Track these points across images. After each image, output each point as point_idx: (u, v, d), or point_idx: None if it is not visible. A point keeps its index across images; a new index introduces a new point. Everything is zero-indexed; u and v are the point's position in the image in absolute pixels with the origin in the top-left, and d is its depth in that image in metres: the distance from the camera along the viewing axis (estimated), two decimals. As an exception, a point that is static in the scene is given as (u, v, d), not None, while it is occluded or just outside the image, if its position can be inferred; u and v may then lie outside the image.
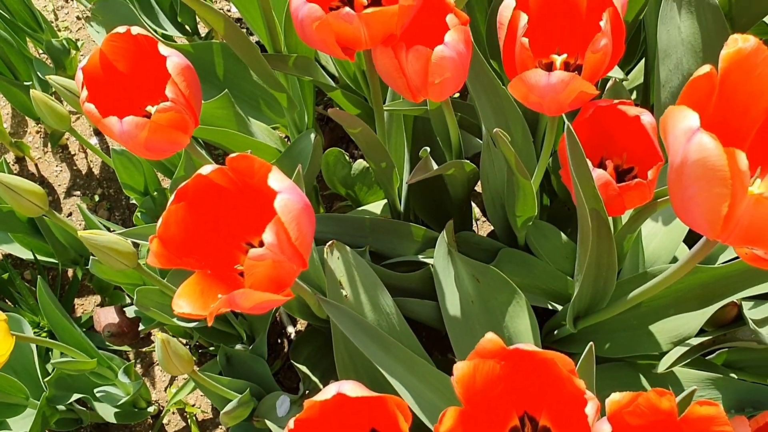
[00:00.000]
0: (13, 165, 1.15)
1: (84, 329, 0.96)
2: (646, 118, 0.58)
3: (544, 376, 0.48)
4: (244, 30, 1.25)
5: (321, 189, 1.14)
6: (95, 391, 0.85)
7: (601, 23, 0.54)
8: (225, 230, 0.54)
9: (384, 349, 0.70)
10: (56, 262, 0.99)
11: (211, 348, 0.97)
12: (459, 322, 0.80)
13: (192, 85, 0.60)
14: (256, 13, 0.79)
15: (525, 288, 0.85)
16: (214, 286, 0.51)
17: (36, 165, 1.15)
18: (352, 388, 0.46)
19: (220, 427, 1.00)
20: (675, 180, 0.40)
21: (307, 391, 0.87)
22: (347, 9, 0.51)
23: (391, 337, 0.76)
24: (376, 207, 1.02)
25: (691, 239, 0.79)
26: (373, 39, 0.54)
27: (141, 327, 0.87)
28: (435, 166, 0.77)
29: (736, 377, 0.75)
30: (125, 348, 0.99)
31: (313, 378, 0.85)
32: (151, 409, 0.95)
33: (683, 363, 0.73)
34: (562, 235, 0.87)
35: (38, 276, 0.80)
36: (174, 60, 0.59)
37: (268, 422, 0.79)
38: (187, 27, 1.06)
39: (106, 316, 0.87)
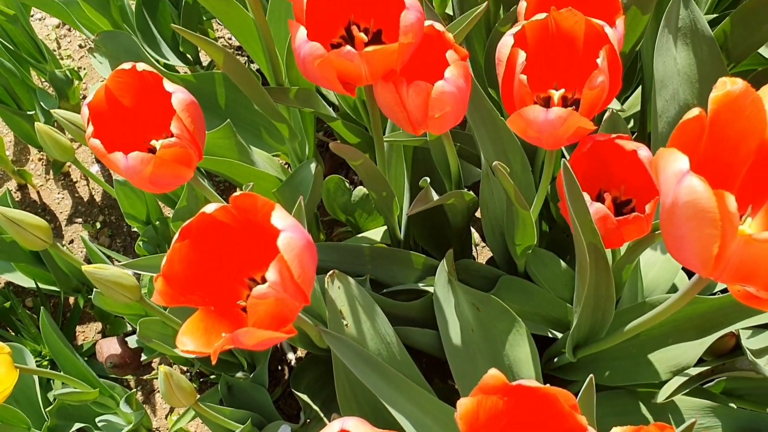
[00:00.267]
0: (15, 192, 1.16)
1: (85, 357, 0.96)
2: (643, 152, 0.59)
3: (546, 411, 0.48)
4: (245, 57, 1.26)
5: (321, 215, 1.15)
6: (97, 420, 0.86)
7: (598, 60, 0.55)
8: (228, 266, 0.55)
9: (385, 380, 0.70)
10: (58, 290, 0.99)
11: (212, 376, 0.97)
12: (459, 350, 0.80)
13: (196, 120, 0.61)
14: (257, 46, 0.80)
15: (525, 315, 0.86)
16: (217, 322, 0.52)
17: (38, 192, 1.16)
18: (355, 425, 0.47)
19: (220, 454, 1.00)
20: (667, 220, 0.41)
21: (308, 420, 0.87)
22: (348, 47, 0.52)
23: (392, 366, 0.76)
24: (376, 233, 1.02)
25: (689, 268, 0.79)
26: (374, 75, 0.55)
27: (143, 357, 0.88)
28: (435, 197, 0.78)
29: (735, 406, 0.75)
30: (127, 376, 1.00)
31: (314, 407, 0.85)
32: (152, 437, 0.95)
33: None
34: (562, 262, 0.88)
35: (41, 307, 0.81)
36: (179, 96, 0.60)
37: (269, 452, 0.80)
38: (189, 56, 1.07)
39: (109, 347, 0.87)
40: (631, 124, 1.02)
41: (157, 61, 1.01)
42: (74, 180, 1.16)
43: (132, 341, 0.89)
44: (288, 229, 0.49)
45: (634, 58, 0.92)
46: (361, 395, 0.77)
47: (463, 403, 0.47)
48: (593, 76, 0.55)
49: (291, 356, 1.03)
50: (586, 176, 0.64)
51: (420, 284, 0.88)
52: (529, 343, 0.80)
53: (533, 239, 0.80)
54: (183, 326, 0.50)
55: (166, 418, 1.00)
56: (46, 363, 0.93)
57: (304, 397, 0.86)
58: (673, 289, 0.82)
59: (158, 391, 1.02)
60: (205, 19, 1.12)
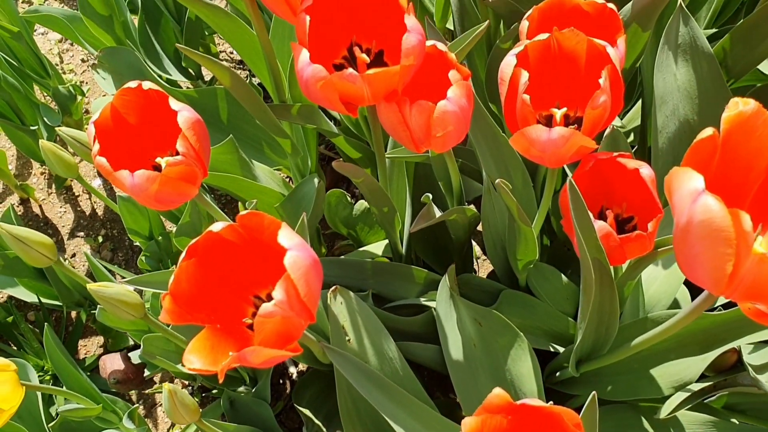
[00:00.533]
0: (18, 206, 1.16)
1: (88, 372, 0.96)
2: (645, 171, 0.59)
3: (550, 429, 0.48)
4: (246, 71, 1.27)
5: (323, 228, 1.16)
6: (99, 435, 0.86)
7: (601, 80, 0.56)
8: (234, 284, 0.55)
9: (387, 395, 0.70)
10: (60, 304, 0.99)
11: (214, 391, 0.97)
12: (461, 365, 0.80)
13: (202, 139, 0.62)
14: (260, 63, 0.81)
15: (527, 329, 0.86)
16: (223, 340, 0.52)
17: (40, 206, 1.16)
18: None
19: (222, 469, 1.00)
20: (680, 239, 0.41)
21: (310, 435, 0.88)
22: (351, 70, 0.53)
23: (394, 381, 0.76)
24: (378, 247, 1.03)
25: (690, 282, 0.80)
26: (376, 96, 0.56)
27: (146, 372, 0.88)
28: (437, 213, 0.78)
29: (737, 422, 0.75)
30: (129, 390, 1.00)
31: (316, 421, 0.86)
32: (154, 452, 0.95)
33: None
34: (563, 276, 0.88)
35: (45, 323, 0.81)
36: (185, 114, 0.60)
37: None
38: (191, 71, 1.07)
39: (112, 363, 0.87)
40: (631, 138, 1.02)
41: (160, 76, 1.01)
42: (76, 194, 1.17)
43: (135, 357, 0.89)
44: (294, 247, 0.49)
45: (634, 73, 0.93)
46: (363, 410, 0.77)
47: (468, 422, 0.47)
48: (595, 96, 0.56)
49: (293, 370, 1.04)
50: (588, 193, 0.64)
51: (422, 299, 0.89)
52: (531, 358, 0.80)
53: (535, 254, 0.80)
54: (190, 344, 0.50)
55: (168, 431, 1.01)
56: (48, 377, 0.94)
57: (306, 411, 0.86)
58: (675, 304, 0.83)
59: (160, 405, 1.02)
60: (207, 33, 1.13)
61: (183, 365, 0.55)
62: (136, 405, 0.93)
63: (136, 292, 0.65)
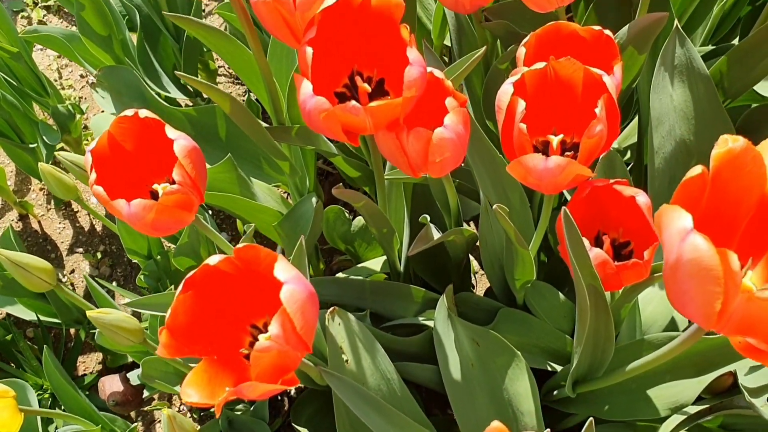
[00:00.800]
0: (17, 222, 1.16)
1: (86, 392, 0.96)
2: (641, 198, 0.59)
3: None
4: (244, 86, 1.27)
5: (320, 243, 1.16)
6: (98, 454, 0.86)
7: (597, 110, 0.56)
8: (230, 314, 0.55)
9: (385, 418, 0.71)
10: (59, 322, 0.99)
11: (212, 409, 0.97)
12: (459, 385, 0.81)
13: (198, 166, 0.62)
14: (259, 83, 0.81)
15: (524, 347, 0.86)
16: (220, 371, 0.52)
17: (39, 222, 1.17)
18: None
19: (221, 486, 1.00)
20: (670, 275, 0.42)
21: (308, 454, 0.88)
22: (354, 103, 0.53)
23: (392, 402, 0.77)
24: (376, 263, 1.03)
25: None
26: (377, 127, 0.56)
27: (145, 393, 0.88)
28: (435, 234, 0.79)
29: (734, 443, 0.76)
30: (127, 408, 1.00)
31: (315, 440, 0.86)
32: (152, 470, 0.95)
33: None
34: (560, 294, 0.88)
35: (44, 345, 0.81)
36: (181, 143, 0.60)
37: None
38: (189, 88, 1.08)
39: (111, 385, 0.87)
40: (628, 155, 1.03)
41: (158, 94, 1.01)
42: (75, 210, 1.17)
43: (133, 377, 0.89)
44: (291, 281, 0.49)
45: (630, 92, 0.93)
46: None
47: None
48: (592, 126, 0.56)
49: (291, 388, 1.04)
50: (585, 218, 0.65)
51: (420, 318, 0.89)
52: (528, 377, 0.80)
53: (532, 275, 0.81)
54: (187, 377, 0.50)
55: (166, 449, 1.01)
56: (47, 396, 0.94)
57: (304, 430, 0.86)
58: (671, 323, 0.83)
59: (159, 421, 1.02)
60: (205, 50, 1.13)
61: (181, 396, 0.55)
62: (135, 423, 0.93)
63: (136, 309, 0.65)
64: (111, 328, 0.61)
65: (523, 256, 0.76)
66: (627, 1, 0.85)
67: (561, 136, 0.62)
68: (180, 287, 0.51)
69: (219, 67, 1.27)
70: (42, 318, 0.97)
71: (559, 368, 0.86)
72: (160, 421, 1.02)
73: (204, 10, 1.34)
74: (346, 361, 0.77)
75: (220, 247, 0.76)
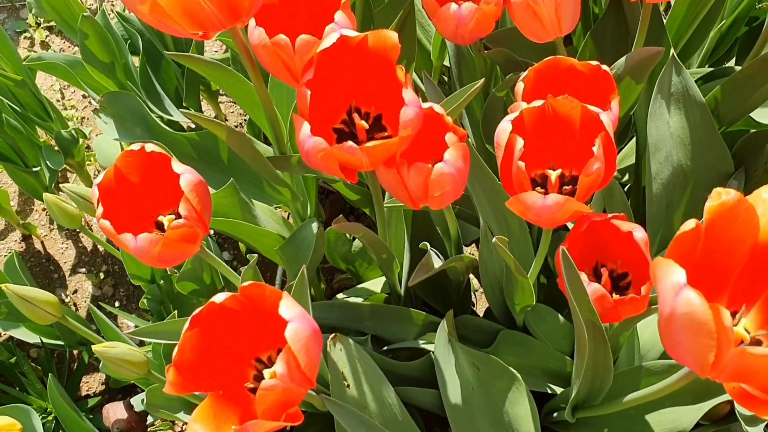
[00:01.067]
0: (20, 243, 1.17)
1: (90, 414, 0.97)
2: (639, 234, 0.60)
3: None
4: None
5: (322, 262, 1.17)
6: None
7: (594, 148, 0.57)
8: (236, 349, 0.56)
9: (387, 445, 0.72)
10: (63, 344, 1.00)
11: None
12: (460, 408, 0.82)
13: (203, 199, 0.63)
14: (260, 114, 0.82)
15: (524, 368, 0.87)
16: (226, 407, 0.53)
17: (42, 242, 1.17)
18: None
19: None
20: (665, 326, 0.43)
21: (310, 477, 0.88)
22: (350, 143, 0.54)
23: (393, 427, 0.78)
24: (377, 284, 1.04)
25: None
26: (374, 165, 0.57)
27: (149, 419, 0.89)
28: (435, 262, 0.80)
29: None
30: None
31: (316, 464, 0.87)
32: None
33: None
34: (560, 316, 0.89)
35: (48, 364, 0.82)
36: (187, 177, 0.61)
37: None
38: (191, 111, 1.08)
39: (115, 412, 0.88)
40: (626, 177, 1.04)
41: (161, 117, 1.02)
42: (78, 230, 1.18)
43: (137, 403, 0.90)
44: (295, 319, 0.50)
45: (628, 117, 0.94)
46: (363, 458, 0.78)
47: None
48: (589, 164, 0.57)
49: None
50: (584, 249, 0.66)
51: (420, 341, 0.90)
52: (528, 400, 0.81)
53: (532, 300, 0.82)
54: (194, 414, 0.51)
55: (169, 470, 1.01)
56: (51, 419, 0.94)
57: (307, 454, 0.87)
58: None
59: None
60: (207, 72, 1.14)
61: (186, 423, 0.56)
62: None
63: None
64: (116, 361, 0.62)
65: (523, 284, 0.77)
66: (624, 28, 0.86)
67: (559, 170, 0.63)
68: (186, 325, 0.52)
69: (219, 88, 1.28)
70: (45, 341, 0.98)
71: (558, 390, 0.87)
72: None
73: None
74: (348, 386, 0.78)
75: (223, 273, 0.77)
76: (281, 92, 0.88)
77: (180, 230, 0.61)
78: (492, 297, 0.91)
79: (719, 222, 0.44)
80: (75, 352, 1.06)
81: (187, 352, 0.52)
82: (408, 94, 0.54)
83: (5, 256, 1.16)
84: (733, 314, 0.49)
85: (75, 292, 1.14)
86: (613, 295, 0.63)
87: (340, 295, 1.03)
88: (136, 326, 0.99)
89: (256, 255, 0.75)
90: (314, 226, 0.90)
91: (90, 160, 1.21)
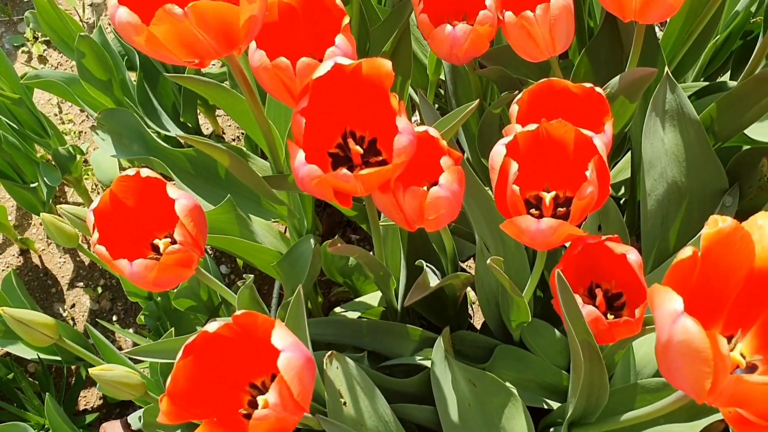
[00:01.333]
0: (18, 257, 1.17)
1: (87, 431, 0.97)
2: (632, 257, 0.61)
3: None
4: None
5: (319, 275, 1.17)
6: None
7: (587, 173, 0.57)
8: (230, 376, 0.56)
9: (383, 464, 0.72)
10: (60, 359, 1.00)
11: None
12: (457, 425, 0.82)
13: (199, 223, 0.63)
14: (258, 132, 0.82)
15: (521, 383, 0.87)
16: (220, 433, 0.53)
17: (40, 257, 1.18)
18: None
19: None
20: (662, 353, 0.43)
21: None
22: (345, 171, 0.54)
23: (390, 446, 0.78)
24: (373, 298, 1.04)
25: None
26: (369, 191, 0.57)
27: (146, 439, 0.89)
28: (432, 280, 0.80)
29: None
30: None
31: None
32: None
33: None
34: (556, 331, 0.90)
35: (45, 379, 0.82)
36: (182, 203, 0.62)
37: None
38: (189, 125, 1.09)
39: (113, 431, 0.88)
40: (622, 191, 1.04)
41: (158, 133, 1.03)
42: (75, 245, 1.18)
43: (134, 420, 0.90)
44: (288, 348, 0.51)
45: (623, 134, 0.94)
46: (360, 476, 0.78)
47: None
48: (583, 188, 0.57)
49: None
50: (579, 270, 0.66)
51: (417, 357, 0.90)
52: (524, 416, 0.82)
53: (528, 317, 0.82)
54: (188, 442, 0.51)
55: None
56: (48, 435, 0.95)
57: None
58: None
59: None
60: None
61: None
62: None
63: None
64: (113, 384, 0.62)
65: (518, 302, 0.77)
66: (619, 45, 0.86)
67: (553, 193, 0.63)
68: (180, 353, 0.52)
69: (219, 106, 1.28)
70: (43, 356, 0.98)
71: (555, 405, 0.88)
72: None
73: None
74: (345, 404, 0.79)
75: (219, 292, 0.78)
76: (279, 109, 0.89)
77: (175, 255, 0.61)
78: (488, 312, 0.91)
79: (716, 249, 0.45)
80: (73, 367, 1.07)
81: (180, 380, 0.52)
82: (402, 121, 0.55)
83: (3, 271, 1.16)
84: (729, 339, 0.49)
85: (73, 306, 1.14)
86: (608, 315, 0.64)
87: (337, 309, 1.04)
88: (134, 343, 1.00)
89: (252, 275, 0.75)
90: (311, 242, 0.90)
91: (87, 175, 1.21)
